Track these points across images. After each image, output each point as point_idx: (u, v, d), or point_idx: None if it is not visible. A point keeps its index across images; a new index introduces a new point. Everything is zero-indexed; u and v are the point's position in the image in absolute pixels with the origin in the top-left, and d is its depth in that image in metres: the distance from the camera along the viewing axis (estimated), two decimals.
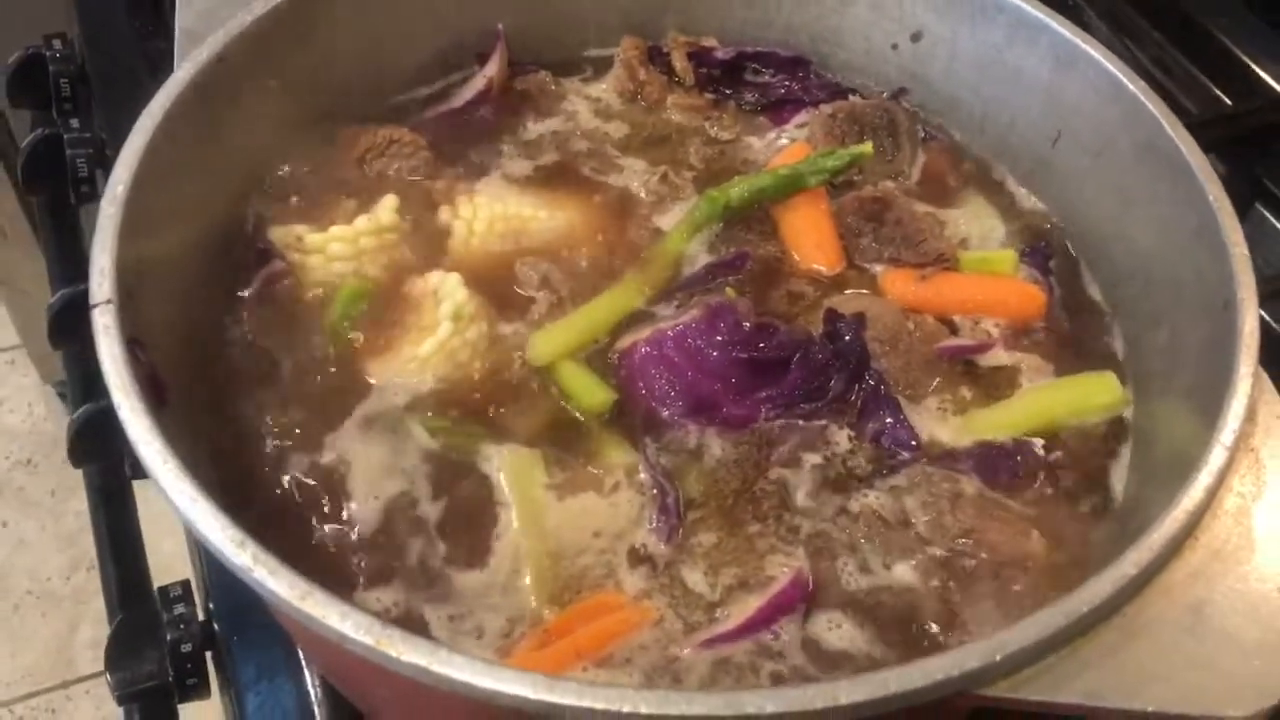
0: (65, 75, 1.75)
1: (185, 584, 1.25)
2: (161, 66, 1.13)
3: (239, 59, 1.16)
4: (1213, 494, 0.91)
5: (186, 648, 1.19)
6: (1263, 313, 1.35)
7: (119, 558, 1.54)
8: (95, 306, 0.94)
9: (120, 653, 1.21)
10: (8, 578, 2.96)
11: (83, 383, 1.60)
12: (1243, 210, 1.58)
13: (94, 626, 2.82)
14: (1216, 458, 0.92)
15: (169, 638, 1.19)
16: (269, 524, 1.03)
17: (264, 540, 0.97)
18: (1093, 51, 1.25)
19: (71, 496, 3.04)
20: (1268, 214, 1.60)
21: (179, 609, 1.21)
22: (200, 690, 1.21)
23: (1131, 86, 1.20)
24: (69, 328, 1.53)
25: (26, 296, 2.89)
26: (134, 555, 1.53)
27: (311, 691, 1.12)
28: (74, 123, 1.71)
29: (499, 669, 0.76)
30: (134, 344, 0.94)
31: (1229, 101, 1.75)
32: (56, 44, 1.80)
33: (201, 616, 1.22)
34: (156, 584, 1.26)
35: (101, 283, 0.95)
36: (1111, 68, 1.23)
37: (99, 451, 1.52)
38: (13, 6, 2.00)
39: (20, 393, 3.35)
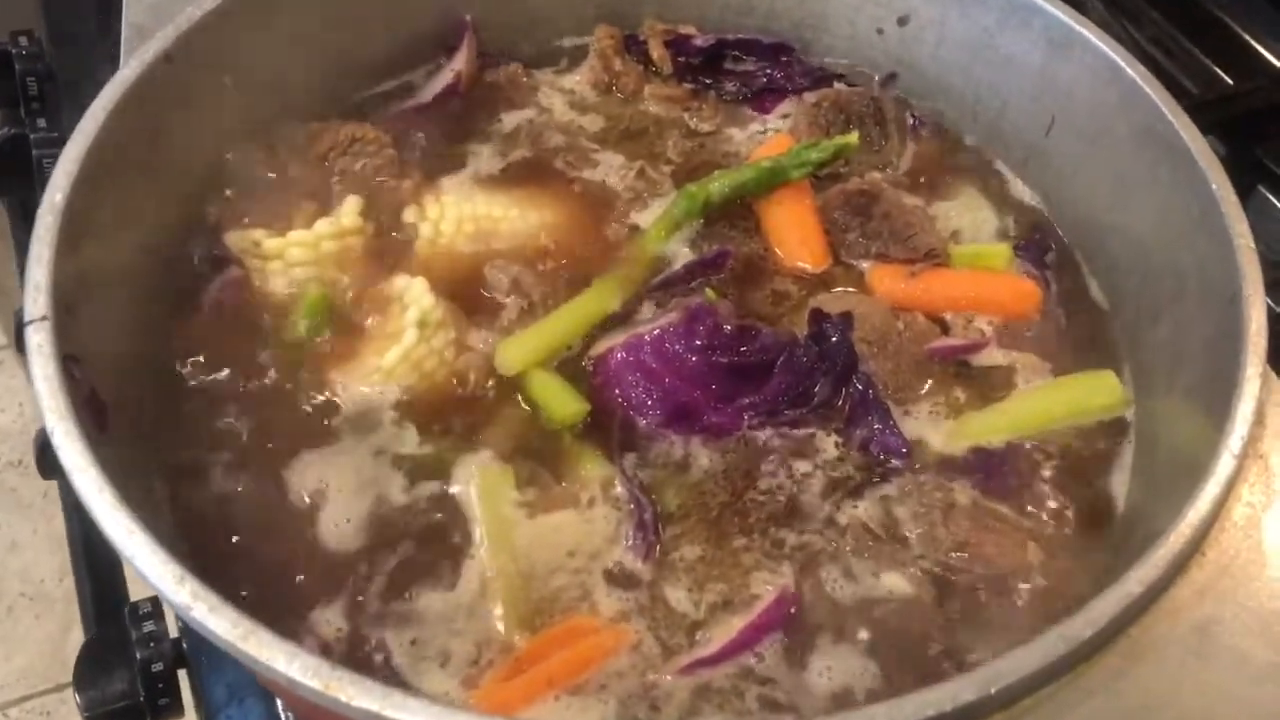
0: (32, 74, 1.70)
1: (155, 600, 1.21)
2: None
3: (188, 56, 1.11)
4: (1220, 505, 0.87)
5: (158, 667, 1.15)
6: (1269, 300, 1.32)
7: (94, 572, 1.51)
8: (29, 324, 0.89)
9: (88, 671, 1.17)
10: (0, 580, 2.93)
11: None
12: (1244, 193, 1.53)
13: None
14: (1224, 466, 0.87)
15: (139, 656, 1.14)
16: (222, 546, 0.99)
17: (216, 563, 0.94)
18: (1088, 34, 1.20)
19: None
20: (1271, 196, 1.54)
21: (148, 626, 1.17)
22: (173, 710, 1.17)
23: (1129, 70, 1.15)
24: None
25: (9, 296, 2.85)
26: (109, 569, 1.49)
27: (282, 715, 1.07)
28: (40, 122, 1.66)
29: (455, 713, 0.72)
30: (71, 361, 0.89)
31: (1230, 81, 1.70)
32: (23, 41, 1.75)
33: (173, 634, 1.17)
34: (138, 598, 1.22)
35: (36, 298, 0.90)
36: (1108, 50, 1.18)
37: None
38: None
39: (10, 393, 3.31)
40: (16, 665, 2.78)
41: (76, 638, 2.85)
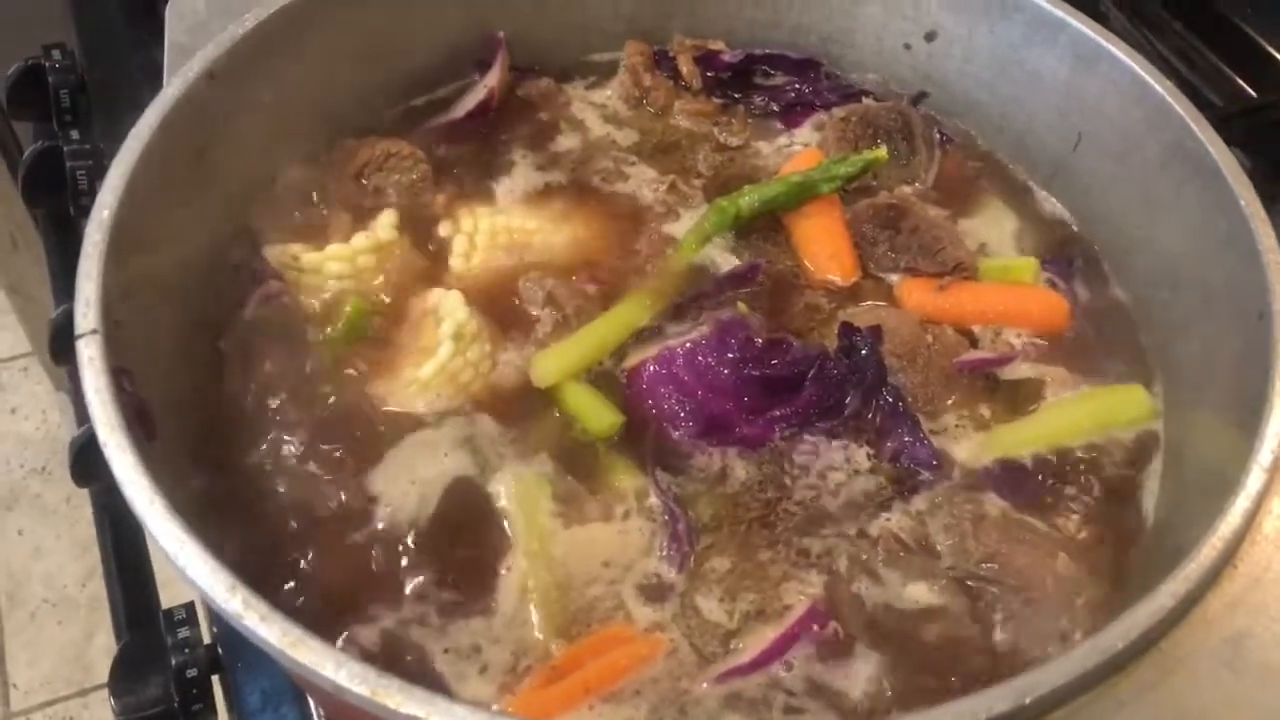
0: (65, 86, 1.72)
1: (190, 606, 1.22)
2: (161, 76, 1.10)
3: (230, 74, 1.12)
4: (1251, 518, 0.87)
5: (192, 673, 1.16)
6: None
7: (126, 578, 1.52)
8: (80, 337, 0.91)
9: (124, 677, 1.19)
10: (24, 586, 2.94)
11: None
12: (1269, 205, 1.54)
13: (111, 634, 2.80)
14: (1254, 480, 0.88)
15: (173, 662, 1.16)
16: (266, 555, 1.00)
17: (260, 572, 0.95)
18: (1115, 50, 1.20)
19: (86, 504, 3.00)
20: None
21: (183, 632, 1.18)
22: (208, 715, 1.18)
23: (1157, 86, 1.16)
24: (70, 344, 1.50)
25: (37, 305, 2.88)
26: (141, 575, 1.50)
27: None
28: (74, 134, 1.68)
29: (497, 719, 0.73)
30: (121, 374, 0.91)
31: (1254, 93, 1.70)
32: (56, 54, 1.77)
33: (207, 640, 1.19)
34: (168, 604, 1.23)
35: (86, 312, 0.92)
36: (1135, 66, 1.18)
37: (103, 470, 1.50)
38: (10, 17, 1.97)
39: (34, 400, 3.33)
40: (41, 671, 2.80)
41: (100, 643, 2.88)
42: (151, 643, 1.16)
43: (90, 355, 0.90)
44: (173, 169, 1.06)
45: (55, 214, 1.78)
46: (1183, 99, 1.14)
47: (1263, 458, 0.89)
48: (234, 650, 1.14)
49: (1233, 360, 1.04)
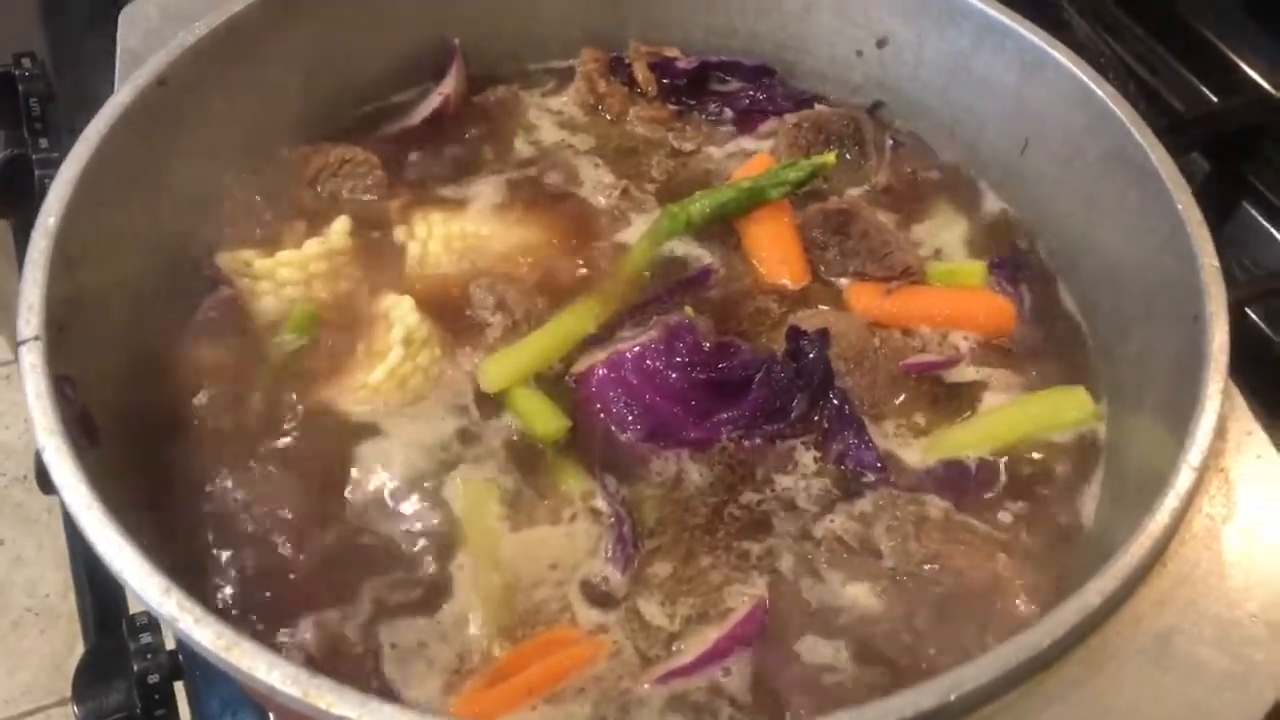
0: (35, 94, 1.73)
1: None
2: None
3: (181, 81, 1.13)
4: (1180, 517, 0.88)
5: (154, 679, 1.16)
6: (1251, 312, 1.33)
7: (95, 585, 1.52)
8: (22, 343, 0.91)
9: (87, 683, 1.19)
10: (6, 595, 2.95)
11: None
12: (1229, 209, 1.55)
13: None
14: (1184, 480, 0.89)
15: (136, 668, 1.16)
16: (211, 560, 1.01)
17: (205, 577, 0.96)
18: (1059, 57, 1.22)
19: None
20: (1255, 213, 1.56)
21: (146, 638, 1.18)
22: None
23: (1099, 92, 1.17)
24: None
25: (14, 314, 2.88)
26: (111, 583, 1.50)
27: None
28: (43, 142, 1.69)
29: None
30: (64, 381, 0.92)
31: (1215, 99, 1.71)
32: (26, 63, 1.77)
33: (170, 646, 1.19)
34: (134, 611, 1.24)
35: (29, 318, 0.93)
36: (1079, 73, 1.20)
37: None
38: None
39: (15, 408, 3.33)
40: (21, 680, 2.80)
41: (81, 652, 2.87)
42: (115, 649, 1.17)
43: (32, 362, 0.91)
44: (122, 175, 1.07)
45: (25, 223, 1.78)
46: (1124, 104, 1.15)
47: (1192, 457, 0.90)
48: (194, 656, 1.14)
49: (1170, 362, 1.05)
